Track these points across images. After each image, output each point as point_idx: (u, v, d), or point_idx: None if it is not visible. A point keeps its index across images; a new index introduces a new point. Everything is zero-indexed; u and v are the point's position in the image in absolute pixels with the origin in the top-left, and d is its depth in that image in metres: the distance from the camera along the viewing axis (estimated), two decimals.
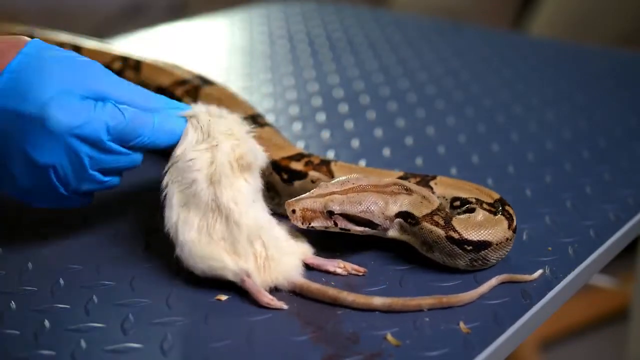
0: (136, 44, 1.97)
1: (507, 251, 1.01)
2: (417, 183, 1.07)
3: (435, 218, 0.99)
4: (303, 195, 1.01)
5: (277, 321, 0.91)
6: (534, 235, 1.09)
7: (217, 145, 0.99)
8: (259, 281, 0.94)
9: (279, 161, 1.10)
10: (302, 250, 0.99)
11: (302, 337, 0.88)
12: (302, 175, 1.09)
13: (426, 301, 0.93)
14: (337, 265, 1.00)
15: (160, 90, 1.23)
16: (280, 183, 1.10)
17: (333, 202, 0.99)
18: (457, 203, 1.06)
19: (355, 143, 1.42)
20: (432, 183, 1.08)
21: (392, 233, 1.02)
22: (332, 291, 0.94)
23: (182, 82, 1.25)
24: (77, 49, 1.35)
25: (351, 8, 2.30)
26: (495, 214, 1.02)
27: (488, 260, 0.99)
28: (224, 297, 0.94)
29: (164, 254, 1.02)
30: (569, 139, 1.44)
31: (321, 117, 1.54)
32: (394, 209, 1.00)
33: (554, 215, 1.15)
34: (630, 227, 1.15)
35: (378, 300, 0.92)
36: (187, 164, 0.98)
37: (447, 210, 1.05)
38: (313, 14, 2.23)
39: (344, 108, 1.59)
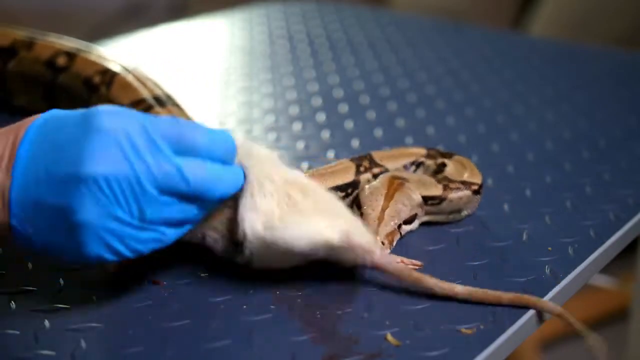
0: (136, 44, 1.97)
1: None
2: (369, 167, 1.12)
3: (451, 186, 1.08)
4: (367, 226, 0.99)
5: (277, 321, 0.91)
6: (534, 235, 1.09)
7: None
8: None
9: None
10: None
11: (302, 337, 0.88)
12: None
13: (507, 296, 0.93)
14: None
15: None
16: None
17: (394, 217, 1.03)
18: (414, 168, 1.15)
19: (355, 143, 1.42)
20: (377, 159, 1.13)
21: (423, 219, 1.09)
22: (416, 274, 0.94)
23: (139, 102, 1.23)
24: (72, 55, 1.38)
25: (351, 8, 2.30)
26: (450, 158, 1.15)
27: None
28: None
29: (164, 255, 1.02)
30: (569, 139, 1.44)
31: (321, 117, 1.54)
32: (417, 197, 1.06)
33: (554, 215, 1.15)
34: (630, 227, 1.15)
35: (459, 288, 0.93)
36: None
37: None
38: (313, 14, 2.23)
39: (344, 108, 1.59)
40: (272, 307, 0.93)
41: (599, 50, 2.10)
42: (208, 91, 1.69)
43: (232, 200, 0.92)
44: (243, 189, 0.92)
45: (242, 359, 0.86)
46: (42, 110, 1.22)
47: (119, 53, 1.90)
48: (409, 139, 1.44)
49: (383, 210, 1.03)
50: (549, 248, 1.06)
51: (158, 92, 1.27)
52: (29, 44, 1.42)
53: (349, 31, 2.09)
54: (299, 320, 0.91)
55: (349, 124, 1.51)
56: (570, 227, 1.12)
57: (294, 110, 1.57)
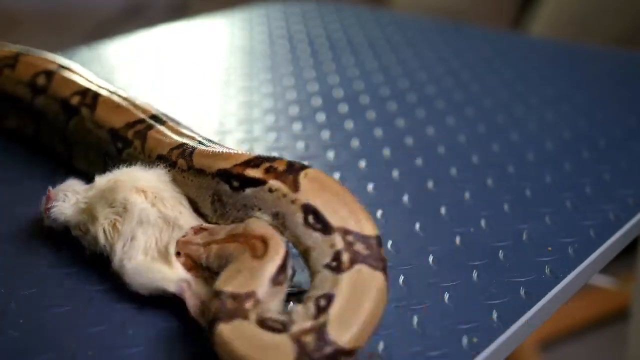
0: (136, 44, 1.97)
1: None
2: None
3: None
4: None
5: None
6: (534, 235, 1.09)
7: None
8: None
9: (231, 169, 0.96)
10: None
11: None
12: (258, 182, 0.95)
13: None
14: None
15: (113, 132, 1.14)
16: (229, 191, 0.97)
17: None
18: None
19: (355, 143, 1.42)
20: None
21: None
22: None
23: (136, 122, 1.13)
24: (50, 73, 1.28)
25: (351, 8, 2.30)
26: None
27: None
28: None
29: None
30: (569, 139, 1.44)
31: (321, 117, 1.54)
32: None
33: (554, 215, 1.15)
34: (630, 227, 1.15)
35: None
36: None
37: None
38: (313, 14, 2.23)
39: (344, 108, 1.59)
40: None
41: (599, 50, 2.10)
42: (208, 91, 1.69)
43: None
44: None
45: None
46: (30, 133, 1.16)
47: (119, 53, 1.90)
48: (408, 139, 1.44)
49: (209, 243, 0.93)
50: (549, 248, 1.06)
51: (152, 111, 1.17)
52: (14, 57, 1.34)
53: (349, 31, 2.09)
54: None
55: (349, 124, 1.51)
56: (570, 227, 1.12)
57: (294, 110, 1.57)
